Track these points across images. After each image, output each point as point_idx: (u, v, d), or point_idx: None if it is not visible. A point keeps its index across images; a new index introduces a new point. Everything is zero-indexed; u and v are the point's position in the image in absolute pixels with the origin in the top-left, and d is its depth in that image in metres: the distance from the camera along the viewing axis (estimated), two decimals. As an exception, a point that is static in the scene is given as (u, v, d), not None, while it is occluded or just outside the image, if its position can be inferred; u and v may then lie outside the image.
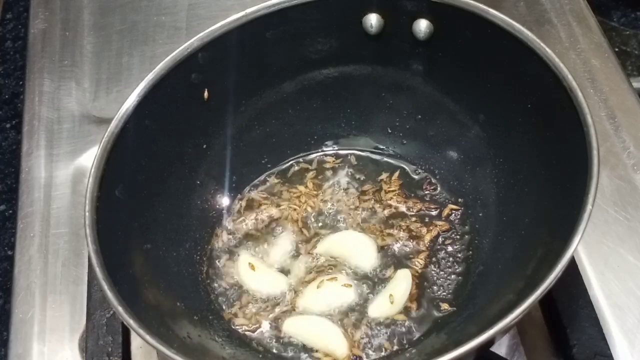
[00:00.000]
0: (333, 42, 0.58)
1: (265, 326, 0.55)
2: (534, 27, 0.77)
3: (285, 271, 0.58)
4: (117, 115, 0.51)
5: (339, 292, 0.56)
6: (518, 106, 0.53)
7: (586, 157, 0.45)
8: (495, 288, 0.51)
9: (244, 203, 0.62)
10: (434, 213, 0.60)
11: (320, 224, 0.60)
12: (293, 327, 0.54)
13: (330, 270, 0.57)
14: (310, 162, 0.64)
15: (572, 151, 0.47)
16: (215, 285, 0.58)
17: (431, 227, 0.59)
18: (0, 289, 0.63)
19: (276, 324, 0.55)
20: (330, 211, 0.61)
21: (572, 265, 0.56)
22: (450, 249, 0.57)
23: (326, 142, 0.65)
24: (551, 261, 0.42)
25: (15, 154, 0.72)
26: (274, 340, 0.54)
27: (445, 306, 0.54)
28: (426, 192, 0.61)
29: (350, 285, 0.56)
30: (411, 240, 0.58)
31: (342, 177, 0.63)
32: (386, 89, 0.61)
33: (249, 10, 0.55)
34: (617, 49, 0.84)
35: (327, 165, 0.64)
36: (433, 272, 0.56)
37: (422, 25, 0.56)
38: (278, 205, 0.62)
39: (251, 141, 0.62)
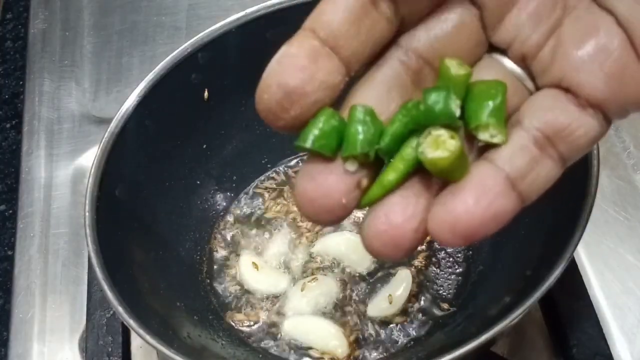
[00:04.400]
0: (333, 42, 0.58)
1: (266, 326, 0.55)
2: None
3: (284, 271, 0.58)
4: (117, 115, 0.51)
5: (324, 290, 0.56)
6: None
7: (586, 157, 0.45)
8: (495, 288, 0.51)
9: (243, 203, 0.62)
10: (434, 213, 0.60)
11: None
12: (293, 327, 0.54)
13: (327, 270, 0.57)
14: (310, 162, 0.64)
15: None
16: (215, 285, 0.58)
17: (431, 227, 0.59)
18: (0, 289, 0.63)
19: (276, 324, 0.55)
20: (330, 211, 0.61)
21: (572, 265, 0.56)
22: (450, 249, 0.57)
23: (326, 142, 0.65)
24: (551, 261, 0.42)
25: (15, 154, 0.72)
26: (274, 340, 0.54)
27: (445, 306, 0.54)
28: (426, 192, 0.61)
29: (335, 281, 0.56)
30: (411, 240, 0.58)
31: (342, 177, 0.63)
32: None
33: (249, 10, 0.55)
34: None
35: (327, 165, 0.64)
36: (433, 272, 0.56)
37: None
38: (278, 205, 0.62)
39: (251, 141, 0.62)
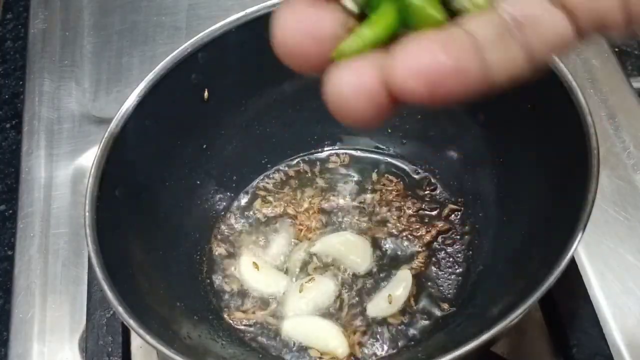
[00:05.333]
0: (333, 42, 0.58)
1: (266, 326, 0.55)
2: (534, 27, 0.77)
3: (284, 271, 0.58)
4: (117, 115, 0.51)
5: (323, 290, 0.56)
6: (518, 106, 0.53)
7: (586, 157, 0.45)
8: (495, 288, 0.51)
9: (243, 203, 0.62)
10: (433, 213, 0.60)
11: (319, 224, 0.60)
12: (293, 327, 0.54)
13: (327, 270, 0.57)
14: (310, 162, 0.64)
15: (572, 151, 0.47)
16: (215, 285, 0.58)
17: (431, 227, 0.59)
18: (0, 289, 0.63)
19: (276, 324, 0.55)
20: (329, 211, 0.61)
21: (572, 265, 0.56)
22: (450, 249, 0.57)
23: (326, 142, 0.65)
24: (551, 261, 0.42)
25: (15, 154, 0.72)
26: (274, 340, 0.54)
27: (445, 306, 0.54)
28: (426, 192, 0.61)
29: (334, 281, 0.56)
30: (411, 240, 0.58)
31: (342, 177, 0.63)
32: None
33: (249, 10, 0.55)
34: (617, 49, 0.84)
35: (327, 165, 0.64)
36: (433, 272, 0.56)
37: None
38: (278, 205, 0.62)
39: (251, 141, 0.62)
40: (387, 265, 0.57)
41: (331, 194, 0.62)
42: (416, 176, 0.63)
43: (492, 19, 0.24)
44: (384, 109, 0.23)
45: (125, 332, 0.55)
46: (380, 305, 0.55)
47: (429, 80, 0.22)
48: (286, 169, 0.64)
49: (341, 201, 0.62)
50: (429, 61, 0.22)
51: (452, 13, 0.24)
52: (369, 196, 0.62)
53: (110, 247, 0.47)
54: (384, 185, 0.62)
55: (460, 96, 0.23)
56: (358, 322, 0.54)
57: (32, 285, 0.62)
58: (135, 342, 0.57)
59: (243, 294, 0.57)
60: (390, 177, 0.63)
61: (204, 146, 0.60)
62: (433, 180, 0.62)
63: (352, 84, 0.23)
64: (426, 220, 0.59)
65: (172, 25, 0.81)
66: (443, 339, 0.51)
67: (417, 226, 0.59)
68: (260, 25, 0.55)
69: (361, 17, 0.24)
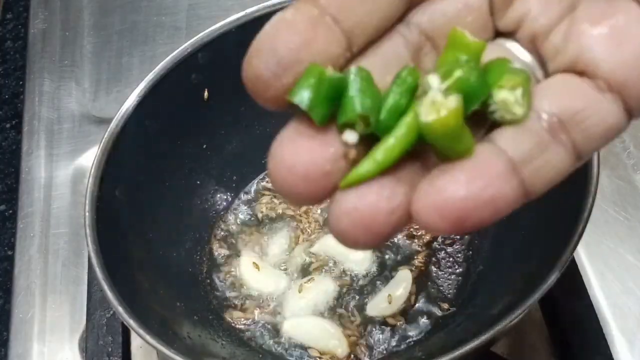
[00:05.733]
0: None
1: (266, 326, 0.55)
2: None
3: (284, 271, 0.58)
4: (117, 115, 0.51)
5: (322, 290, 0.56)
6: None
7: (586, 157, 0.45)
8: (495, 288, 0.51)
9: (243, 203, 0.62)
10: (434, 213, 0.60)
11: (318, 224, 0.60)
12: (293, 327, 0.54)
13: (327, 270, 0.57)
14: (310, 162, 0.64)
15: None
16: (215, 285, 0.58)
17: (431, 227, 0.59)
18: (0, 289, 0.63)
19: (276, 324, 0.55)
20: (330, 211, 0.61)
21: (572, 265, 0.56)
22: (450, 249, 0.57)
23: (326, 142, 0.65)
24: (551, 261, 0.42)
25: (15, 154, 0.72)
26: (274, 340, 0.54)
27: (445, 306, 0.54)
28: (426, 192, 0.61)
29: (334, 281, 0.56)
30: (410, 240, 0.58)
31: (342, 177, 0.63)
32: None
33: (249, 10, 0.55)
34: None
35: (327, 165, 0.64)
36: (433, 272, 0.56)
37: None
38: (278, 205, 0.62)
39: (251, 141, 0.62)
40: (386, 265, 0.57)
41: (331, 194, 0.62)
42: (416, 176, 0.63)
43: (530, 127, 0.21)
44: (395, 233, 0.22)
45: (125, 332, 0.55)
46: (380, 305, 0.55)
47: (454, 217, 0.20)
48: (286, 169, 0.64)
49: (341, 201, 0.61)
50: (455, 197, 0.20)
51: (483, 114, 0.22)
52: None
53: (110, 247, 0.47)
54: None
55: (493, 220, 0.21)
56: (358, 322, 0.54)
57: (32, 285, 0.62)
58: (135, 342, 0.57)
59: (243, 294, 0.57)
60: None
61: (204, 146, 0.59)
62: (433, 180, 0.62)
63: (360, 214, 0.21)
64: (426, 220, 0.59)
65: (172, 25, 0.81)
66: (443, 339, 0.51)
67: (417, 226, 0.59)
68: (260, 25, 0.55)
69: (364, 141, 0.22)
